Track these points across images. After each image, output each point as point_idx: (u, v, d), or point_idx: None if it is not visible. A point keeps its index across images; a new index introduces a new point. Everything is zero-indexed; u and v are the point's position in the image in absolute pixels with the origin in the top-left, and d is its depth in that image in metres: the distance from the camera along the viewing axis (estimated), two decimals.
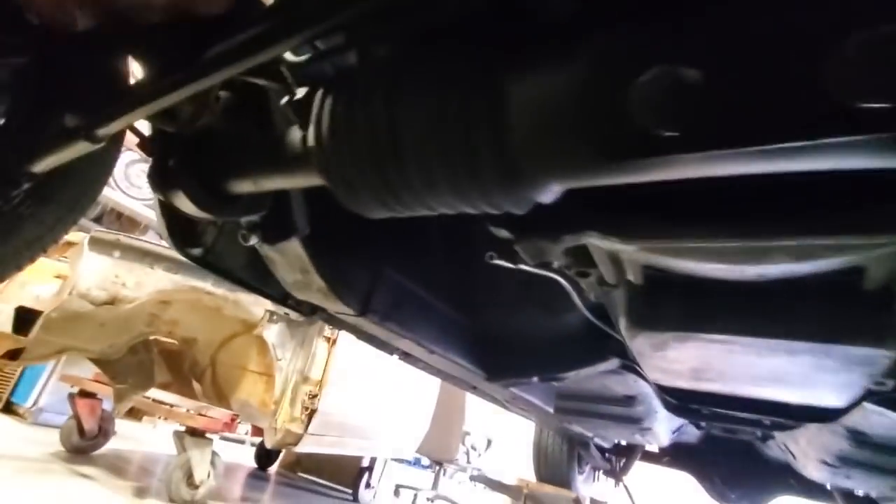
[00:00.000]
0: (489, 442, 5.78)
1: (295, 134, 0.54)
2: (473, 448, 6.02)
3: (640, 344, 0.76)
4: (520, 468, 4.12)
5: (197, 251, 1.08)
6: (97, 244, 2.50)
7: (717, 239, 0.47)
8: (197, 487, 2.80)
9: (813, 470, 2.01)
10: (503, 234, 0.55)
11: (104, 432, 3.31)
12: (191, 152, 0.66)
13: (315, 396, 3.28)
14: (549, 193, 0.41)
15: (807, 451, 1.89)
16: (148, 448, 4.26)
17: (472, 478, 4.79)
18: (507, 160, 0.38)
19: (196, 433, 2.78)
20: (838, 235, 0.41)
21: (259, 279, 1.13)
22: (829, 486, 2.21)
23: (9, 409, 3.87)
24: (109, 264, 2.45)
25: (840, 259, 0.48)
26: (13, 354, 2.20)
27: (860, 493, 2.25)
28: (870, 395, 0.96)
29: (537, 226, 0.52)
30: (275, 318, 3.05)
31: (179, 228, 0.97)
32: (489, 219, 0.55)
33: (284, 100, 0.50)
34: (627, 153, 0.31)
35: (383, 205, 0.49)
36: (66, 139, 0.58)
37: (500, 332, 1.30)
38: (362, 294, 0.96)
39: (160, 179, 0.67)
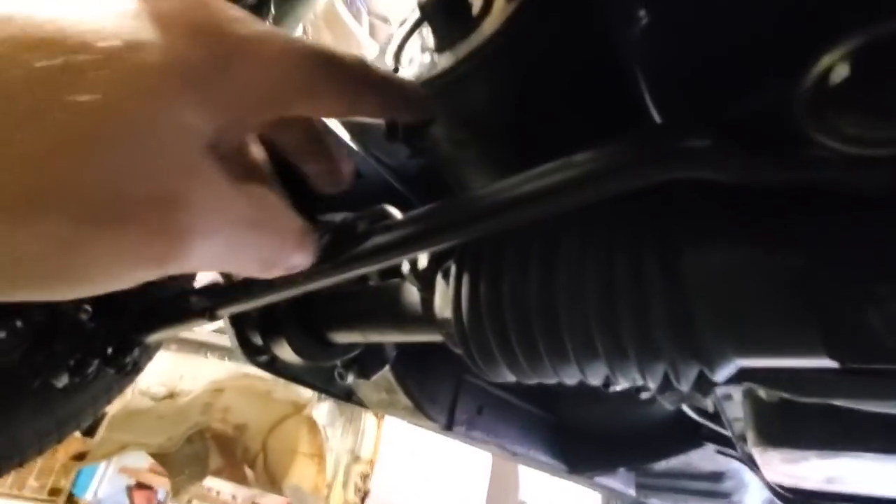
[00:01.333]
0: None
1: (413, 296, 0.54)
2: None
3: (769, 457, 0.70)
4: None
5: (264, 358, 1.09)
6: None
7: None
8: None
9: None
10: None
11: None
12: (301, 304, 0.66)
13: (367, 476, 3.17)
14: (728, 371, 0.39)
15: None
16: None
17: None
18: (687, 341, 0.36)
19: None
20: None
21: (324, 381, 1.11)
22: None
23: (71, 501, 3.88)
24: (168, 358, 2.50)
25: None
26: (80, 455, 2.23)
27: None
28: None
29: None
30: (324, 396, 3.03)
31: (249, 338, 0.98)
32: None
33: (406, 266, 0.50)
34: (864, 362, 0.28)
35: (522, 374, 0.47)
36: (189, 317, 0.59)
37: (581, 423, 1.23)
38: (447, 407, 0.93)
39: (263, 325, 0.67)
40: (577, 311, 0.40)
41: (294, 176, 0.43)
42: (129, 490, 3.17)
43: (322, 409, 3.07)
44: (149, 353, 0.96)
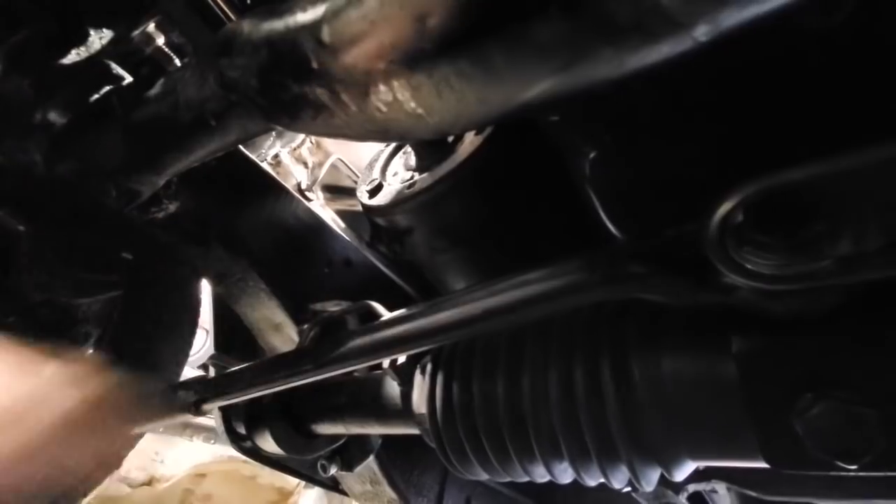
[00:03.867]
0: None
1: (394, 389, 0.56)
2: None
3: None
4: None
5: (249, 444, 1.07)
6: None
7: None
8: None
9: None
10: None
11: None
12: (285, 395, 0.68)
13: None
14: (685, 471, 0.40)
15: None
16: None
17: None
18: (642, 445, 0.38)
19: None
20: None
21: (309, 468, 1.09)
22: None
23: None
24: (149, 440, 2.41)
25: None
26: None
27: None
28: None
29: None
30: (310, 484, 2.87)
31: (234, 426, 0.97)
32: None
33: (387, 362, 0.53)
34: (796, 468, 0.30)
35: (493, 472, 0.48)
36: (175, 410, 0.61)
37: None
38: (434, 499, 0.90)
39: (249, 415, 0.68)
40: (542, 415, 0.42)
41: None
42: None
43: (309, 498, 2.89)
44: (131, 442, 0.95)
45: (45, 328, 0.77)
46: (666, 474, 0.40)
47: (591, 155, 0.40)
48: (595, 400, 0.39)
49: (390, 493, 0.84)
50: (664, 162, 0.36)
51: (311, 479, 1.23)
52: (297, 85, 0.33)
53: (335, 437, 0.75)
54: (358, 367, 0.45)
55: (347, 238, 0.81)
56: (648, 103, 0.35)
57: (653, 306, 0.34)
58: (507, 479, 0.48)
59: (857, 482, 0.53)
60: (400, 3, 0.27)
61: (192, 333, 0.81)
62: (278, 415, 0.69)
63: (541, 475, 0.47)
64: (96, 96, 0.57)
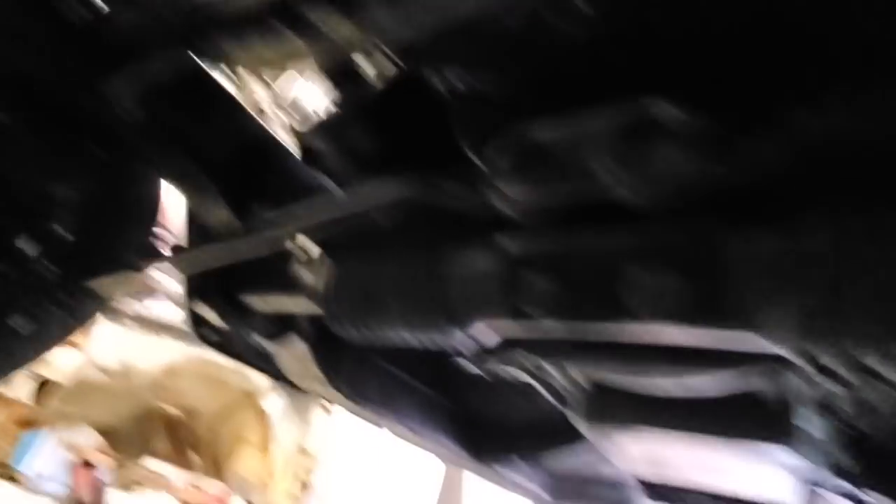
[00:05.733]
0: None
1: (306, 275, 0.71)
2: None
3: (593, 436, 0.87)
4: None
5: (211, 335, 1.24)
6: (111, 313, 2.66)
7: (618, 371, 0.61)
8: None
9: None
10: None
11: (98, 502, 3.29)
12: (224, 273, 0.83)
13: (311, 471, 3.26)
14: (480, 333, 0.57)
15: None
16: None
17: None
18: (444, 314, 0.54)
19: None
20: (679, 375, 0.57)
21: (265, 361, 1.25)
22: None
23: (7, 474, 3.84)
24: (123, 334, 2.59)
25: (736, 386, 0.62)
26: (25, 422, 2.29)
27: None
28: (816, 485, 1.04)
29: (490, 351, 0.67)
30: (277, 388, 3.13)
31: (197, 314, 1.13)
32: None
33: (303, 256, 0.67)
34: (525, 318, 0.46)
35: (364, 338, 0.64)
36: (125, 269, 0.75)
37: (481, 413, 1.40)
38: (354, 381, 1.08)
39: (189, 289, 0.83)
40: (385, 290, 0.58)
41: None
42: (72, 467, 3.20)
43: (274, 401, 3.17)
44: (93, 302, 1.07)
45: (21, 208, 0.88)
46: (461, 332, 0.56)
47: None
48: (413, 280, 0.54)
49: (316, 371, 1.00)
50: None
51: (268, 372, 1.41)
52: None
53: (268, 316, 0.90)
54: (270, 242, 0.60)
55: (293, 153, 0.93)
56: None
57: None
58: (378, 342, 0.65)
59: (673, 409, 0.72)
60: None
61: (150, 223, 0.94)
62: (216, 289, 0.84)
63: (402, 341, 0.63)
64: None
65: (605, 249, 0.46)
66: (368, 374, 1.17)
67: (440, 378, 1.34)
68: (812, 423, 0.74)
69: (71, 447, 3.47)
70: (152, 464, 3.12)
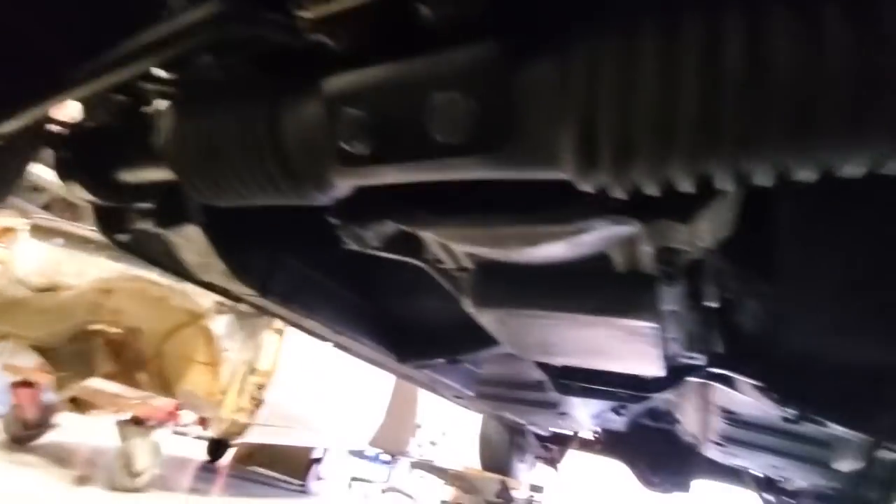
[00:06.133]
0: (443, 434, 5.94)
1: (158, 136, 0.66)
2: (433, 443, 6.17)
3: (485, 320, 0.90)
4: (472, 459, 4.25)
5: (123, 237, 1.17)
6: (38, 231, 2.51)
7: (465, 226, 0.61)
8: (138, 475, 2.83)
9: (711, 451, 2.21)
10: (333, 221, 0.68)
11: (45, 423, 3.29)
12: (85, 146, 0.76)
13: (263, 387, 3.34)
14: (335, 189, 0.55)
15: (699, 431, 2.09)
16: (95, 441, 4.21)
17: (413, 464, 4.94)
18: (285, 166, 0.51)
19: (138, 422, 2.81)
20: (527, 225, 0.58)
21: (177, 264, 1.21)
22: (730, 466, 2.39)
23: None
24: (51, 251, 2.47)
25: (576, 246, 0.63)
26: None
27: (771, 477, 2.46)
28: (693, 370, 1.13)
29: (349, 214, 0.65)
30: (223, 309, 3.11)
31: (106, 215, 1.06)
32: (325, 209, 0.68)
33: (152, 109, 0.62)
34: (344, 164, 0.45)
35: (215, 196, 0.61)
36: None
37: (404, 315, 1.42)
38: (262, 277, 1.06)
39: (60, 170, 0.77)
40: (228, 148, 0.55)
41: None
42: (12, 387, 3.15)
43: (220, 322, 3.15)
44: None
45: None
46: (305, 183, 0.54)
47: None
48: (255, 136, 0.52)
49: (219, 265, 0.97)
50: None
51: (179, 274, 1.35)
52: None
53: (149, 194, 0.85)
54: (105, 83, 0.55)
55: None
56: None
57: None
58: (222, 202, 0.62)
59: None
60: None
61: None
62: (81, 165, 0.78)
63: (241, 200, 0.61)
64: None
65: (410, 78, 0.45)
66: (284, 274, 1.15)
67: (363, 282, 1.34)
68: (671, 300, 0.79)
69: (7, 367, 3.40)
70: (98, 383, 3.12)
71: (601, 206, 0.51)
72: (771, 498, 2.65)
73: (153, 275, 2.70)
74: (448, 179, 0.50)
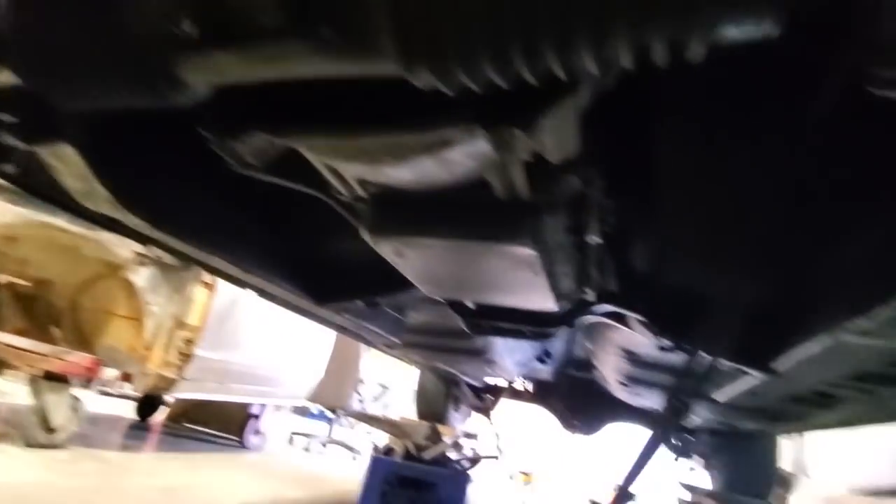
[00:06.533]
0: (384, 388, 6.07)
1: None
2: (376, 398, 6.29)
3: (384, 252, 0.91)
4: (411, 412, 4.38)
5: (9, 168, 1.06)
6: None
7: (331, 136, 0.61)
8: (54, 432, 2.71)
9: (618, 391, 2.39)
10: (204, 133, 0.65)
11: None
12: None
13: (191, 342, 3.25)
14: (189, 88, 0.52)
15: (609, 374, 2.25)
16: (11, 400, 3.97)
17: (346, 413, 5.04)
18: (130, 52, 0.49)
19: (52, 378, 2.67)
20: (387, 134, 0.58)
21: (63, 195, 1.10)
22: (637, 405, 2.59)
23: None
24: None
25: (455, 169, 0.64)
26: None
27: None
28: (587, 306, 1.20)
29: (215, 124, 0.63)
30: (144, 261, 2.95)
31: None
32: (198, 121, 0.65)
33: None
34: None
35: (67, 96, 0.57)
36: None
37: (320, 256, 1.40)
38: (156, 207, 0.99)
39: None
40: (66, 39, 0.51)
41: None
42: None
43: (142, 274, 3.00)
44: None
45: None
46: (168, 86, 0.52)
47: None
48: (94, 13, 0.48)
49: (103, 192, 0.90)
50: None
51: (66, 208, 1.23)
52: None
53: (10, 106, 0.77)
54: None
55: None
56: None
57: None
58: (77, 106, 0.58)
59: None
60: None
61: None
62: None
63: (88, 99, 0.57)
64: None
65: None
66: (185, 206, 1.08)
67: (277, 220, 1.29)
68: (553, 230, 0.82)
69: None
70: (7, 338, 2.91)
71: (451, 114, 0.52)
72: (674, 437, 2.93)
73: (61, 221, 2.51)
74: (288, 77, 0.49)
